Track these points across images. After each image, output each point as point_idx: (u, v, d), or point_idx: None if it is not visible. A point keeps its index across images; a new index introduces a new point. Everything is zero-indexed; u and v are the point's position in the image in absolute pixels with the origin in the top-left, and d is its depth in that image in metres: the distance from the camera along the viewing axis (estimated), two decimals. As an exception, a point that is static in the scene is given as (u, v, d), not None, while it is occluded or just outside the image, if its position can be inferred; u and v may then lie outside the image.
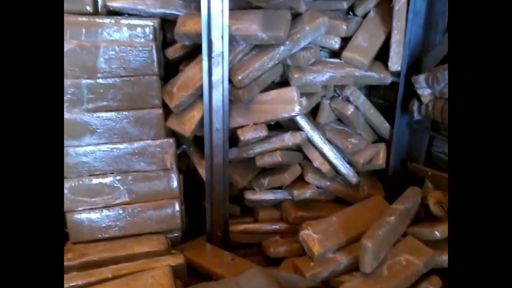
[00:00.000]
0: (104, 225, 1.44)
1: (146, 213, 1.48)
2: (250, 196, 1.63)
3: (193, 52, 1.53)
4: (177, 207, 1.49)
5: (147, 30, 1.40)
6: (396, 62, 1.50)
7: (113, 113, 1.38)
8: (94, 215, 1.43)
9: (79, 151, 1.39)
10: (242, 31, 1.36)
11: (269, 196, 1.64)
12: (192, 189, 1.67)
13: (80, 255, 1.34)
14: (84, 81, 1.33)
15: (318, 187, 1.63)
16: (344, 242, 1.38)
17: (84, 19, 1.37)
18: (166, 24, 1.56)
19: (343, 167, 1.59)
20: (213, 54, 1.34)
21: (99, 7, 1.48)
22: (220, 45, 1.34)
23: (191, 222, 1.65)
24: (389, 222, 1.28)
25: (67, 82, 1.32)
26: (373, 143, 1.66)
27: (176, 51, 1.54)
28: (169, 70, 1.57)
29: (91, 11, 1.44)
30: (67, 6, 1.41)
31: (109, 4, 1.42)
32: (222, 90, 1.39)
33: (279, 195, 1.65)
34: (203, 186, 1.60)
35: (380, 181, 1.71)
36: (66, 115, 1.35)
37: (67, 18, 1.35)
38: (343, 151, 1.59)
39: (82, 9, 1.44)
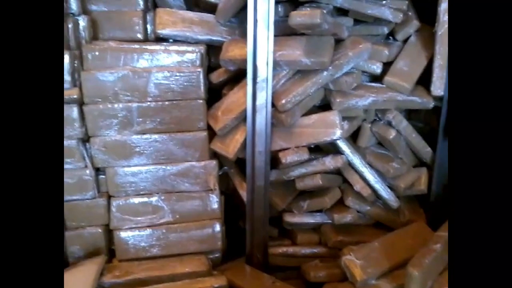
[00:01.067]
0: (148, 244, 1.48)
1: (188, 233, 1.51)
2: (289, 218, 1.64)
3: (236, 76, 1.58)
4: (218, 228, 1.52)
5: (194, 56, 1.46)
6: (439, 87, 1.49)
7: (160, 135, 1.44)
8: (139, 234, 1.47)
9: (127, 171, 1.44)
10: (286, 57, 1.40)
11: (308, 219, 1.64)
12: (230, 210, 1.69)
13: (126, 273, 1.38)
14: (135, 104, 1.40)
15: (358, 211, 1.61)
16: (387, 269, 1.36)
17: (136, 46, 1.44)
18: (210, 49, 1.63)
19: (384, 192, 1.58)
20: (258, 79, 1.38)
21: (149, 34, 1.56)
22: (265, 70, 1.38)
23: (228, 243, 1.67)
24: (435, 250, 1.26)
25: (119, 105, 1.39)
26: (414, 168, 1.64)
27: (219, 75, 1.59)
28: (212, 93, 1.62)
29: (141, 38, 1.52)
30: (120, 34, 1.51)
31: (159, 31, 1.50)
32: (265, 114, 1.42)
33: (318, 218, 1.65)
34: (241, 207, 1.62)
35: (422, 206, 1.68)
36: (117, 137, 1.41)
37: (121, 46, 1.43)
38: (384, 175, 1.58)
39: (133, 37, 1.52)
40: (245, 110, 1.43)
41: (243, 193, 1.56)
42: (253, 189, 1.50)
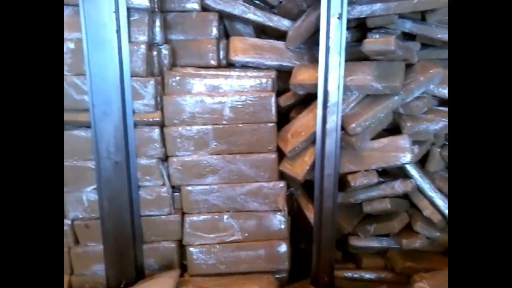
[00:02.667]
0: (218, 261, 1.54)
1: (256, 252, 1.55)
2: (355, 242, 1.63)
3: (304, 100, 1.63)
4: (285, 248, 1.55)
5: (266, 81, 1.53)
6: None
7: (233, 156, 1.51)
8: (209, 251, 1.53)
9: (200, 190, 1.52)
10: (357, 81, 1.43)
11: (374, 243, 1.63)
12: (292, 231, 1.71)
13: (199, 288, 1.43)
14: (211, 127, 1.48)
15: (427, 237, 1.58)
16: (463, 299, 1.31)
17: (213, 72, 1.53)
18: (278, 74, 1.69)
19: (456, 218, 1.53)
20: (329, 104, 1.42)
21: (221, 60, 1.66)
22: (336, 95, 1.42)
23: (291, 263, 1.68)
24: None
25: (196, 127, 1.48)
26: (487, 194, 1.59)
27: (287, 99, 1.65)
28: (279, 116, 1.68)
29: (215, 64, 1.62)
30: (195, 60, 1.61)
31: (233, 58, 1.59)
32: (335, 137, 1.45)
33: (384, 242, 1.63)
34: (305, 229, 1.64)
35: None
36: (193, 157, 1.49)
37: (199, 72, 1.53)
38: (455, 201, 1.54)
39: (208, 63, 1.62)
40: (314, 133, 1.47)
41: (310, 215, 1.58)
42: (321, 211, 1.52)
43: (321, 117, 1.45)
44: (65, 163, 1.45)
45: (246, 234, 1.55)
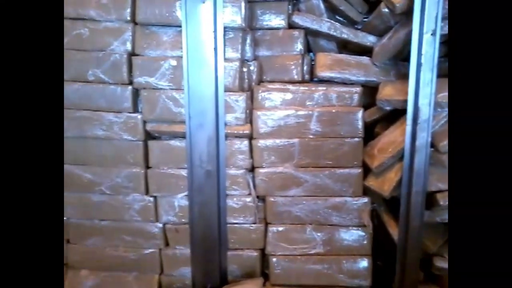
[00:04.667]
0: (299, 272, 1.56)
1: (338, 267, 1.55)
2: (440, 263, 1.57)
3: (388, 116, 1.62)
4: (368, 264, 1.53)
5: (354, 96, 1.55)
6: None
7: (318, 170, 1.53)
8: (291, 261, 1.56)
9: (285, 201, 1.56)
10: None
11: (462, 266, 1.55)
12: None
13: (281, 298, 1.47)
14: (297, 140, 1.52)
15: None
16: None
17: (302, 87, 1.58)
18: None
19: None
20: (419, 120, 1.40)
21: (305, 75, 1.70)
22: (427, 111, 1.40)
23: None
24: None
25: (283, 140, 1.53)
26: None
27: (371, 114, 1.64)
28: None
29: (299, 79, 1.67)
30: (280, 76, 1.66)
31: (319, 74, 1.62)
32: (425, 155, 1.42)
33: (473, 266, 1.55)
34: (385, 245, 1.61)
35: None
36: (279, 169, 1.54)
37: (287, 87, 1.58)
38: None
39: (292, 78, 1.66)
40: (402, 149, 1.45)
41: (393, 232, 1.55)
42: (407, 229, 1.49)
43: (410, 134, 1.43)
44: (160, 170, 1.57)
45: (328, 248, 1.56)
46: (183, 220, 1.59)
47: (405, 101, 1.43)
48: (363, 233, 1.55)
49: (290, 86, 1.59)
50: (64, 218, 1.65)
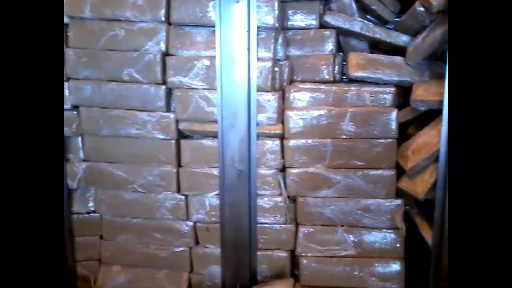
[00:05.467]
0: (330, 274, 1.55)
1: (370, 269, 1.53)
2: (476, 268, 1.53)
3: (421, 116, 1.59)
4: (401, 267, 1.50)
5: (387, 96, 1.52)
6: None
7: (350, 171, 1.52)
8: (322, 263, 1.55)
9: (316, 202, 1.55)
10: (489, 99, 1.36)
11: (499, 271, 1.51)
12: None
13: (311, 299, 1.46)
14: (330, 140, 1.51)
15: None
16: None
17: (334, 87, 1.57)
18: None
19: None
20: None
21: (336, 75, 1.68)
22: (465, 112, 1.36)
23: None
24: None
25: (315, 141, 1.52)
26: None
27: (405, 115, 1.61)
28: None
29: (330, 79, 1.65)
30: (311, 75, 1.65)
31: (352, 74, 1.60)
32: (462, 156, 1.38)
33: (511, 272, 1.50)
34: (416, 248, 1.58)
35: None
36: (310, 169, 1.53)
37: (319, 87, 1.57)
38: None
39: (323, 78, 1.65)
40: (437, 151, 1.42)
41: (427, 235, 1.52)
42: (441, 233, 1.45)
43: (446, 135, 1.39)
44: (192, 169, 1.58)
45: (360, 250, 1.54)
46: (213, 219, 1.60)
47: (441, 102, 1.40)
48: (396, 236, 1.53)
49: (322, 86, 1.58)
50: (98, 215, 1.69)
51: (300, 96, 1.56)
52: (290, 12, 1.65)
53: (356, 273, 1.53)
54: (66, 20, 1.55)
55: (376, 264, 1.53)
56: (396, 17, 1.74)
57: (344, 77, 1.72)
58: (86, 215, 1.70)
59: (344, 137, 1.51)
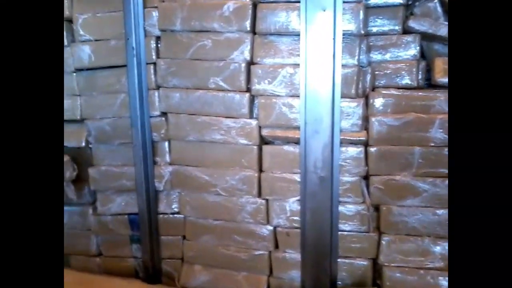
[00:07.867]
0: (414, 285, 1.50)
1: (460, 283, 1.46)
2: None
3: None
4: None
5: (480, 103, 1.45)
6: None
7: (438, 180, 1.47)
8: (407, 274, 1.51)
9: (400, 211, 1.51)
10: None
11: None
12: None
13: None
14: (417, 148, 1.47)
15: None
16: None
17: (418, 93, 1.53)
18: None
19: None
20: None
21: (419, 81, 1.64)
22: None
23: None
24: None
25: (402, 148, 1.48)
26: None
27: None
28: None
29: (414, 85, 1.60)
30: (395, 81, 1.60)
31: (439, 79, 1.54)
32: None
33: None
34: None
35: None
36: (396, 177, 1.50)
37: (404, 93, 1.54)
38: None
39: (406, 84, 1.59)
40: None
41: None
42: None
43: None
44: (273, 174, 1.61)
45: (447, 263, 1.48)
46: (294, 224, 1.62)
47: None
48: (489, 250, 1.44)
49: (407, 92, 1.54)
50: (182, 216, 1.78)
51: (384, 103, 1.53)
52: (372, 17, 1.63)
53: (443, 286, 1.47)
54: (157, 33, 1.67)
55: (467, 278, 1.45)
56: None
57: (426, 82, 1.66)
58: (171, 215, 1.79)
59: (432, 144, 1.46)
